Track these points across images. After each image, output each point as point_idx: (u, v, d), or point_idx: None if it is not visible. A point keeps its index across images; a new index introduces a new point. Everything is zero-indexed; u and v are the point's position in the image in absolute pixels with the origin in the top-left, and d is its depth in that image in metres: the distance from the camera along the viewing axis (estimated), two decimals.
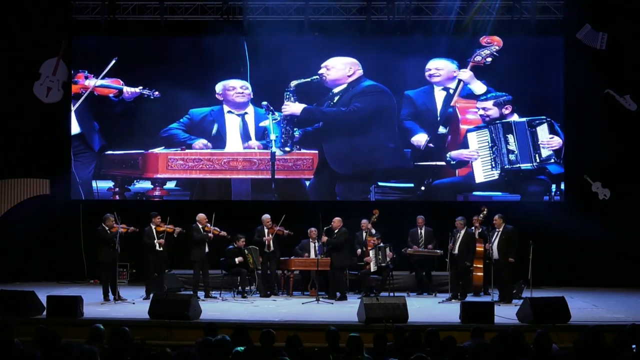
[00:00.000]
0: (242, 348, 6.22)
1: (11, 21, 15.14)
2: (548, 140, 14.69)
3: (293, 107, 14.93)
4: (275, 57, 14.76)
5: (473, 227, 13.12)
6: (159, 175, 15.18)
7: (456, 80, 14.90)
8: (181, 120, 15.15)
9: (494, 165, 14.78)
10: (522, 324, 9.93)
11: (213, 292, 13.12)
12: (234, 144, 15.18)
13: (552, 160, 14.71)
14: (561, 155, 14.70)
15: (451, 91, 14.91)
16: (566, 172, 14.81)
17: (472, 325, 8.48)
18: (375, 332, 7.48)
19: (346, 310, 11.27)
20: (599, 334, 6.48)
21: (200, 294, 12.64)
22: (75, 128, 15.33)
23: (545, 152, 14.69)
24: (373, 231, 13.44)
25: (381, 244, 13.18)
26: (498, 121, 14.77)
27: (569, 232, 14.22)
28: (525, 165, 14.73)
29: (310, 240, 13.61)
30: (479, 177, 14.80)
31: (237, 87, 15.15)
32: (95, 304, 11.70)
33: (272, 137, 14.93)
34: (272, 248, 13.35)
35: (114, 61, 15.04)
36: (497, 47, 14.81)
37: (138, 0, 15.19)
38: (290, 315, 10.87)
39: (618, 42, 14.77)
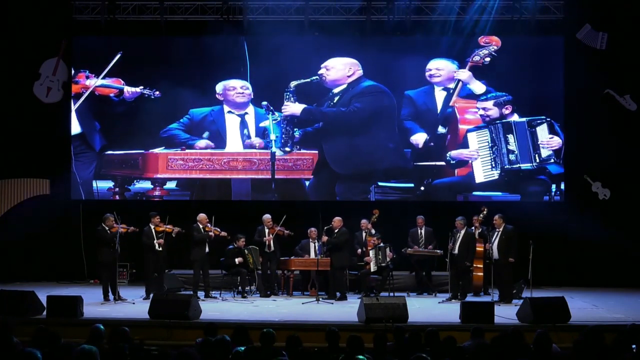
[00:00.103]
0: (242, 348, 6.22)
1: (11, 21, 15.14)
2: (548, 141, 14.69)
3: (293, 108, 14.93)
4: (275, 57, 14.76)
5: (473, 227, 13.12)
6: (159, 175, 15.17)
7: (455, 80, 14.90)
8: (181, 120, 15.15)
9: (494, 165, 14.77)
10: (522, 324, 9.93)
11: (213, 292, 13.12)
12: (234, 144, 15.18)
13: (552, 160, 14.70)
14: (561, 155, 14.70)
15: (451, 91, 14.91)
16: (566, 172, 14.80)
17: (472, 325, 8.48)
18: (375, 332, 7.49)
19: (346, 310, 11.27)
20: (599, 334, 6.48)
21: (200, 294, 12.64)
22: (76, 128, 15.33)
23: (545, 152, 14.69)
24: (373, 231, 13.44)
25: (381, 244, 13.18)
26: (498, 121, 14.77)
27: (569, 232, 14.22)
28: (525, 166, 14.73)
29: (310, 240, 13.61)
30: (479, 177, 14.80)
31: (237, 87, 15.15)
32: (95, 304, 11.70)
33: (272, 137, 14.93)
34: (272, 248, 13.36)
35: (118, 55, 15.02)
36: (495, 47, 14.82)
37: (138, 0, 15.20)
38: (290, 315, 10.87)
39: (618, 42, 14.78)
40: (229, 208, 14.53)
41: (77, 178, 15.21)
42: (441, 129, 14.93)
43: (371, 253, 13.14)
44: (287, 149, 14.98)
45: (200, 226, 13.00)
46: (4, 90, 15.24)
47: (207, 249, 12.99)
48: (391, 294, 12.22)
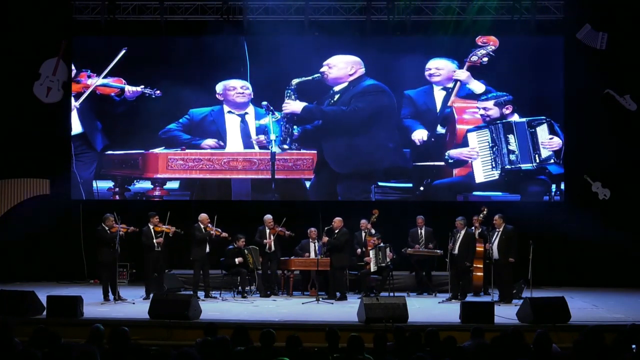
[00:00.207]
0: (242, 348, 6.22)
1: (11, 21, 15.14)
2: (548, 141, 14.69)
3: (294, 106, 14.92)
4: (275, 57, 14.76)
5: (473, 227, 13.12)
6: (159, 175, 15.17)
7: (454, 80, 14.90)
8: (180, 120, 15.14)
9: (494, 165, 14.77)
10: (522, 324, 9.93)
11: (213, 292, 13.11)
12: (234, 144, 15.18)
13: (552, 161, 14.70)
14: (561, 155, 14.70)
15: (450, 91, 14.91)
16: (566, 172, 14.80)
17: (472, 325, 8.48)
18: (375, 332, 7.48)
19: (346, 310, 11.27)
20: (599, 334, 6.48)
21: (200, 294, 12.64)
22: (77, 127, 15.32)
23: (545, 153, 14.69)
24: (372, 231, 13.44)
25: (381, 244, 13.17)
26: (499, 121, 14.77)
27: (569, 232, 14.22)
28: (525, 166, 14.73)
29: (310, 240, 13.61)
30: (479, 177, 14.80)
31: (237, 87, 15.15)
32: (95, 304, 11.70)
33: (272, 137, 14.93)
34: (273, 248, 13.36)
35: (123, 51, 15.01)
36: (493, 47, 14.82)
37: (138, 0, 15.20)
38: (290, 315, 10.87)
39: (618, 42, 14.78)
40: (229, 208, 14.52)
41: (77, 178, 15.21)
42: (440, 129, 14.93)
43: (371, 253, 13.13)
44: (286, 146, 14.97)
45: (202, 226, 13.00)
46: (4, 90, 15.24)
47: (207, 249, 12.99)
48: (391, 294, 12.21)
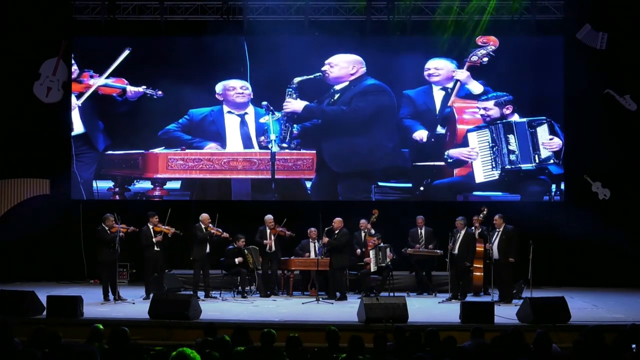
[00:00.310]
0: (242, 348, 6.22)
1: (11, 21, 15.14)
2: (548, 142, 14.68)
3: (295, 105, 14.91)
4: (275, 57, 14.76)
5: (473, 227, 13.12)
6: (159, 175, 15.17)
7: (453, 80, 14.90)
8: (179, 121, 15.14)
9: (494, 165, 14.77)
10: (522, 324, 9.93)
11: (213, 292, 13.11)
12: (234, 144, 15.17)
13: (552, 161, 14.70)
14: (560, 156, 14.69)
15: (449, 91, 14.91)
16: (566, 172, 14.80)
17: (472, 325, 8.47)
18: (375, 332, 7.48)
19: (346, 310, 11.27)
20: (599, 334, 6.48)
21: (200, 294, 12.64)
22: (79, 128, 15.31)
23: (544, 153, 14.68)
24: (372, 231, 13.44)
25: (382, 244, 13.17)
26: (499, 121, 14.76)
27: (569, 232, 14.21)
28: (525, 166, 14.72)
29: (310, 240, 13.61)
30: (479, 177, 14.79)
31: (237, 87, 15.15)
32: (95, 304, 11.70)
33: (272, 137, 14.92)
34: (273, 249, 13.36)
35: (127, 52, 15.00)
36: (493, 47, 14.82)
37: (138, 0, 15.20)
38: (290, 315, 10.87)
39: (618, 42, 14.77)
40: (229, 208, 14.51)
41: (78, 178, 15.20)
42: (440, 129, 14.93)
43: (371, 253, 13.13)
44: (285, 145, 14.96)
45: (203, 226, 13.00)
46: (4, 90, 15.24)
47: (208, 249, 12.99)
48: (391, 294, 12.21)
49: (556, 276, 14.46)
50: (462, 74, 14.83)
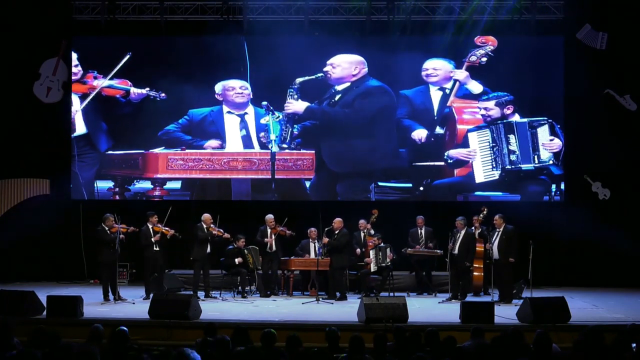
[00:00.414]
0: (242, 348, 6.22)
1: (11, 21, 15.13)
2: (548, 142, 14.68)
3: (296, 106, 14.90)
4: (275, 57, 14.75)
5: (473, 227, 13.12)
6: (159, 175, 15.17)
7: (452, 80, 14.90)
8: (179, 121, 15.13)
9: (494, 165, 14.77)
10: (522, 324, 9.93)
11: (213, 292, 13.11)
12: (233, 144, 15.17)
13: (551, 162, 14.70)
14: (560, 157, 14.68)
15: (447, 91, 14.91)
16: (566, 173, 14.80)
17: (472, 325, 8.47)
18: (375, 332, 7.48)
19: (346, 310, 11.27)
20: (599, 334, 6.47)
21: (200, 294, 12.64)
22: (81, 128, 15.31)
23: (544, 154, 14.68)
24: (372, 231, 13.44)
25: (382, 244, 13.17)
26: (499, 121, 14.76)
27: (569, 232, 14.21)
28: (526, 166, 14.72)
29: (310, 240, 13.61)
30: (479, 177, 14.79)
31: (236, 88, 15.14)
32: (95, 304, 11.70)
33: (272, 137, 14.92)
34: (274, 248, 13.36)
35: (127, 57, 15.00)
36: (492, 47, 14.82)
37: (138, 0, 15.20)
38: (290, 315, 10.87)
39: (618, 42, 14.77)
40: (229, 208, 14.52)
41: (79, 178, 15.20)
42: (439, 129, 14.92)
43: (371, 253, 13.14)
44: (285, 145, 14.96)
45: (204, 226, 13.00)
46: (4, 90, 15.24)
47: (208, 249, 12.99)
48: (391, 294, 12.21)
49: (556, 276, 14.46)
50: (461, 74, 14.83)
